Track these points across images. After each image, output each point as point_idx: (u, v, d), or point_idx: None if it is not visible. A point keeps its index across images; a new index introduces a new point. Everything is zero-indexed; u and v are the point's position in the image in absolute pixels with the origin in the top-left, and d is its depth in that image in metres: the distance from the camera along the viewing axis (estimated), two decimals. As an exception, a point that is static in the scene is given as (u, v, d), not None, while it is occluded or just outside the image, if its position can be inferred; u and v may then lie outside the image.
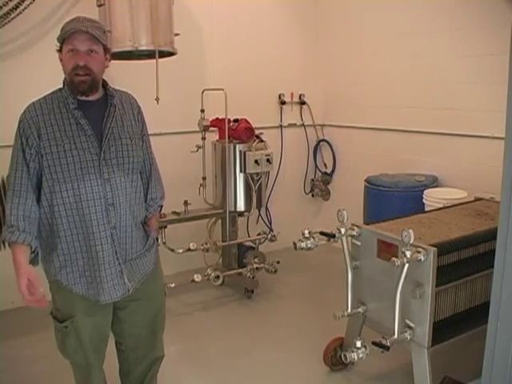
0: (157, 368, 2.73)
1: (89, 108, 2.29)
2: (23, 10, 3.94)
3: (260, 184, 4.66)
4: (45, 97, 2.32)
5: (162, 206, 2.71)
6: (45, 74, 4.18)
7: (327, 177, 6.10)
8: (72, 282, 2.31)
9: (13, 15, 3.91)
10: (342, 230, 2.99)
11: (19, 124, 2.26)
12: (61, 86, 2.34)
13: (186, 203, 4.53)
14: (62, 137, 2.22)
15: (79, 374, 2.55)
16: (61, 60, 2.28)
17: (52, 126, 2.23)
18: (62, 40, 2.23)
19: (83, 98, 2.28)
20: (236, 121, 4.61)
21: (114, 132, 2.32)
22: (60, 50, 2.27)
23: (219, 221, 4.84)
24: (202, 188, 4.77)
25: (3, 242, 3.65)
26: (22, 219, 2.22)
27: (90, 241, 2.28)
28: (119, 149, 2.33)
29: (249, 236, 5.23)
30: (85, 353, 2.43)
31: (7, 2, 3.87)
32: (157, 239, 2.67)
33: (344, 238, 3.02)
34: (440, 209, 3.70)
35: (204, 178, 4.77)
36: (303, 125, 5.99)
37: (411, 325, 2.78)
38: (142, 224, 2.51)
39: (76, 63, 2.21)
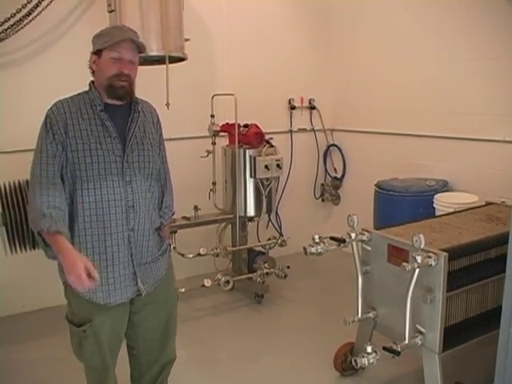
0: (168, 371, 2.74)
1: (114, 112, 2.33)
2: (36, 16, 3.98)
3: (270, 189, 4.67)
4: (71, 97, 2.34)
5: (173, 213, 2.75)
6: (56, 80, 4.25)
7: (337, 181, 6.09)
8: None
9: (26, 21, 3.96)
10: (353, 235, 2.99)
11: (46, 119, 2.26)
12: (83, 89, 2.38)
13: (196, 208, 4.54)
14: (89, 136, 2.25)
15: (94, 378, 2.56)
16: (93, 62, 2.31)
17: (79, 124, 2.26)
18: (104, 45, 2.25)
19: (112, 101, 2.32)
20: (246, 126, 4.62)
21: (136, 137, 2.37)
22: (96, 53, 2.29)
23: (229, 226, 4.84)
24: (211, 193, 4.78)
25: (14, 246, 3.67)
26: (57, 212, 2.18)
27: (106, 241, 2.29)
28: (141, 153, 2.37)
29: (259, 241, 5.23)
30: (102, 356, 2.44)
31: (20, 9, 3.92)
32: (169, 245, 2.70)
33: (354, 243, 3.02)
34: (451, 213, 3.68)
35: (214, 183, 4.77)
36: (313, 130, 5.99)
37: (422, 330, 2.76)
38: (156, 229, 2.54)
39: (120, 71, 2.27)
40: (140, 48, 2.33)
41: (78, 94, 2.36)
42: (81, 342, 2.40)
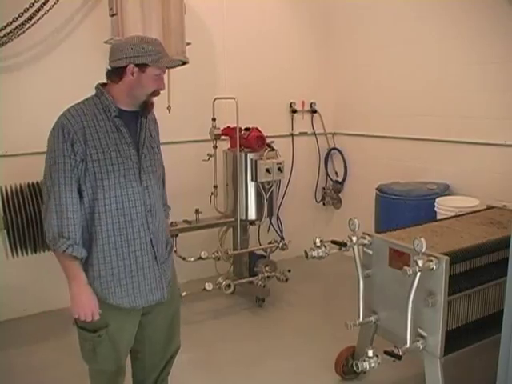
0: (170, 366, 2.73)
1: (126, 117, 2.31)
2: (38, 20, 3.99)
3: (271, 192, 4.66)
4: (83, 102, 2.28)
5: (170, 208, 2.77)
6: (57, 84, 4.27)
7: (338, 185, 6.09)
8: (106, 292, 2.29)
9: (28, 25, 3.97)
10: (354, 239, 2.98)
11: (62, 128, 2.16)
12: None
13: (197, 212, 4.54)
14: (108, 144, 2.22)
15: (103, 381, 2.55)
16: (132, 73, 2.22)
17: (97, 132, 2.21)
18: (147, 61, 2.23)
19: (127, 107, 2.30)
20: (247, 129, 4.62)
21: (146, 142, 2.37)
22: (138, 65, 2.22)
23: (230, 229, 4.84)
24: (213, 196, 4.78)
25: (15, 249, 3.67)
26: (77, 229, 2.19)
27: (129, 247, 2.30)
28: (152, 157, 2.39)
29: (260, 244, 5.22)
30: (118, 359, 2.45)
31: (22, 13, 3.93)
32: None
33: (355, 247, 3.01)
34: (452, 217, 3.68)
35: (215, 187, 4.78)
36: (314, 133, 5.99)
37: (423, 334, 2.76)
38: None
39: (160, 87, 2.32)
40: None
41: (88, 99, 2.30)
42: (95, 348, 2.36)
